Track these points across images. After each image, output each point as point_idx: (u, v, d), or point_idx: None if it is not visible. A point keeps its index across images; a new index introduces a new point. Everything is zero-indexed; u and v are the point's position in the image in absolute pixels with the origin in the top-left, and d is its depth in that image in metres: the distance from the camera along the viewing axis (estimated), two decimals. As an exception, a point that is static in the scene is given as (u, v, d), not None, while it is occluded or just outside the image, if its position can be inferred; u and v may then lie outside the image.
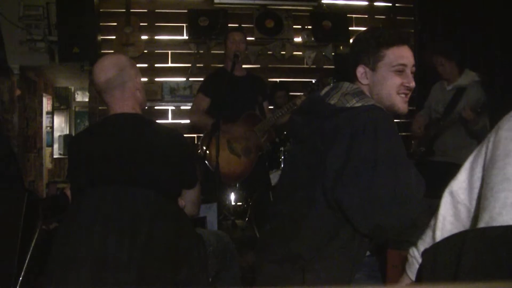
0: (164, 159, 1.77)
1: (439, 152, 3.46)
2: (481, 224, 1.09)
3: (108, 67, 1.86)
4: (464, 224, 1.19)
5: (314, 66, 5.17)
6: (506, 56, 4.25)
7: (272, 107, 4.28)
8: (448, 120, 3.39)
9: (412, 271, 1.33)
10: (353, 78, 1.69)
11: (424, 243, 1.31)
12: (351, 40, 5.09)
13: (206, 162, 3.32)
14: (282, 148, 4.11)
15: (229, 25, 4.93)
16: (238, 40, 3.53)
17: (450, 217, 1.23)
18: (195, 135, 4.80)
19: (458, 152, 3.15)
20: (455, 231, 1.19)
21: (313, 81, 4.91)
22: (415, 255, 1.32)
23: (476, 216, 1.14)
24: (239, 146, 3.50)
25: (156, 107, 5.01)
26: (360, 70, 1.66)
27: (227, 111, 3.28)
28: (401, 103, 1.66)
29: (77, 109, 8.15)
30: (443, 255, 1.10)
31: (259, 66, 5.13)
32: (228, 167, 3.41)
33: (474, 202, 1.17)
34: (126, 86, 1.85)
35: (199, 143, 3.60)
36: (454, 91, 3.46)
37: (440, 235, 1.24)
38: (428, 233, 1.30)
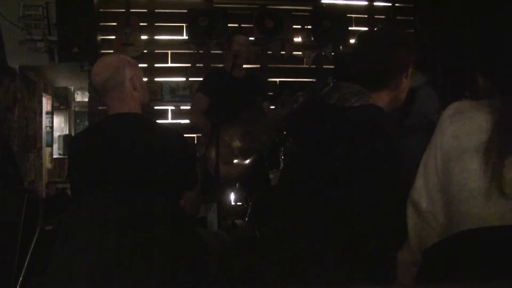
0: (164, 159, 1.77)
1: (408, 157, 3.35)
2: (455, 225, 1.09)
3: (104, 69, 1.86)
4: (436, 229, 1.18)
5: (314, 66, 5.17)
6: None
7: (273, 107, 4.27)
8: (408, 124, 3.34)
9: (403, 276, 1.33)
10: (383, 85, 1.67)
11: (404, 250, 1.30)
12: (351, 40, 5.10)
13: (205, 162, 3.32)
14: (282, 148, 4.10)
15: (229, 25, 4.93)
16: (246, 44, 3.56)
17: (420, 224, 1.22)
18: (195, 135, 4.80)
19: (415, 156, 3.11)
20: (430, 237, 1.18)
21: (313, 80, 4.93)
22: (402, 260, 1.33)
23: (447, 217, 1.14)
24: (238, 146, 3.50)
25: (156, 107, 5.01)
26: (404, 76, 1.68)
27: (226, 111, 3.28)
28: None
29: (76, 109, 8.14)
30: (443, 255, 1.11)
31: (258, 66, 5.13)
32: (227, 168, 3.40)
33: (437, 207, 1.16)
34: (123, 86, 1.86)
35: (197, 143, 3.60)
36: None
37: (416, 242, 1.23)
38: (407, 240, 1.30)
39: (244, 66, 3.80)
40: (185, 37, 5.04)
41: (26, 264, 1.85)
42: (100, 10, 4.84)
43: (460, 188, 1.07)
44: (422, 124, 3.26)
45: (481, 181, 1.04)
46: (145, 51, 4.89)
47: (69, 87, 7.81)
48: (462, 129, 1.10)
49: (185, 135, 1.95)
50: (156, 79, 4.99)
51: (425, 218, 1.19)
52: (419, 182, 1.21)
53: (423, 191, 1.19)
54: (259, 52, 5.06)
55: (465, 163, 1.07)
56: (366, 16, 5.37)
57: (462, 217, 1.06)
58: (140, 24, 4.88)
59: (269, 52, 5.10)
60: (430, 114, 3.22)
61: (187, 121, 4.41)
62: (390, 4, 5.35)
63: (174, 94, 4.96)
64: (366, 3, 5.40)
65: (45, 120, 6.58)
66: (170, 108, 5.06)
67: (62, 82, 7.00)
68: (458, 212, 1.08)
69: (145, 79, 2.07)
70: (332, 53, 5.15)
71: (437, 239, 1.16)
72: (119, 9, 4.89)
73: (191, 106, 3.77)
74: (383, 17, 5.35)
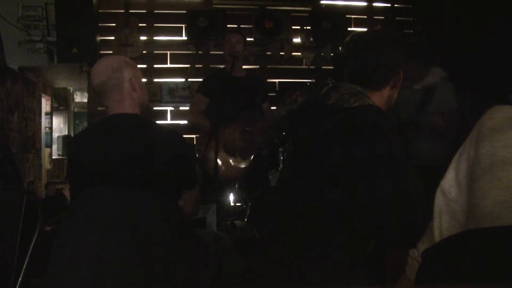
0: (163, 159, 1.77)
1: (416, 156, 3.08)
2: (473, 222, 1.10)
3: (102, 70, 1.87)
4: (459, 221, 1.19)
5: (313, 67, 5.17)
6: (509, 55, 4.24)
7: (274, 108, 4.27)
8: (422, 123, 3.18)
9: (412, 272, 1.33)
10: (383, 85, 1.68)
11: (424, 244, 1.31)
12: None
13: (204, 163, 3.32)
14: (281, 149, 4.11)
15: (228, 26, 4.93)
16: (234, 41, 3.54)
17: (445, 216, 1.23)
18: (194, 136, 4.80)
19: (434, 155, 2.98)
20: (452, 229, 1.19)
21: (312, 81, 4.93)
22: (415, 256, 1.33)
23: (468, 213, 1.15)
24: (237, 147, 3.50)
25: (155, 108, 5.01)
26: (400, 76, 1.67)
27: (226, 111, 3.28)
28: None
29: (76, 109, 8.13)
30: (443, 256, 1.11)
31: (257, 67, 5.13)
32: (226, 168, 3.41)
33: (464, 198, 1.18)
34: (122, 87, 1.86)
35: (196, 144, 3.60)
36: (423, 91, 3.23)
37: (438, 234, 1.24)
38: (427, 233, 1.31)
39: (244, 66, 3.80)
40: (184, 38, 5.05)
41: (25, 265, 1.85)
42: (99, 11, 4.85)
43: (487, 192, 1.08)
44: (430, 125, 3.14)
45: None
46: (144, 51, 4.90)
47: (68, 87, 7.81)
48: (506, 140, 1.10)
49: (184, 136, 1.95)
50: (155, 80, 4.99)
51: (452, 207, 1.21)
52: (451, 173, 1.22)
53: (454, 182, 1.20)
54: (258, 53, 5.07)
55: (501, 171, 1.07)
56: (365, 17, 5.38)
57: (485, 220, 1.07)
58: (139, 25, 4.89)
59: (268, 53, 5.11)
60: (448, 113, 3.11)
61: (186, 121, 4.40)
62: (389, 5, 5.36)
63: (173, 94, 4.96)
64: (365, 4, 5.40)
65: (44, 121, 6.56)
66: (169, 108, 5.06)
67: (61, 83, 6.99)
68: (482, 214, 1.08)
69: (144, 80, 2.07)
70: (331, 54, 5.16)
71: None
72: (118, 10, 4.90)
73: (190, 106, 3.77)
74: (382, 17, 5.36)
